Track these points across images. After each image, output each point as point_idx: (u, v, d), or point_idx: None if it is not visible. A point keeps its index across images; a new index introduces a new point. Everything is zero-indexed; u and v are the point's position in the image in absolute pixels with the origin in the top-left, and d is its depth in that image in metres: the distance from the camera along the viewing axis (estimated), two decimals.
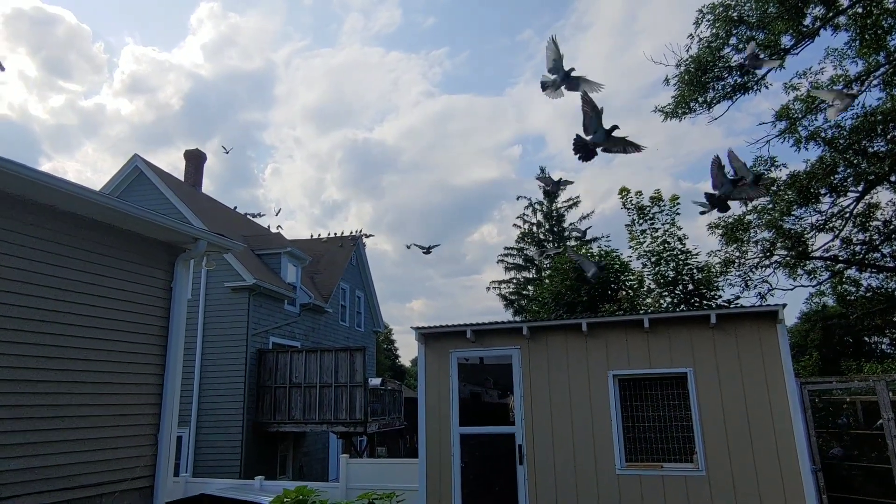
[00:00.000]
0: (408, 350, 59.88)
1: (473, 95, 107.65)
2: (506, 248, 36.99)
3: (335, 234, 26.67)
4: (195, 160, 23.37)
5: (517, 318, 32.81)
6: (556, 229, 35.73)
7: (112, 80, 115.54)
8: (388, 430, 19.89)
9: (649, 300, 15.92)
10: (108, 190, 18.37)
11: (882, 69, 14.88)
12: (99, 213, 6.81)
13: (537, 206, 36.26)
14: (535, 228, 36.18)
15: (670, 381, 9.43)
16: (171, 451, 7.67)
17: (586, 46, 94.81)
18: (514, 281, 36.35)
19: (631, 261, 17.55)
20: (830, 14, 13.71)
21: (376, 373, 27.53)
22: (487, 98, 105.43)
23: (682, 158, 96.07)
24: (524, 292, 35.12)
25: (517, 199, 37.18)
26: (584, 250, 20.47)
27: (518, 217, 36.66)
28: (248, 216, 25.74)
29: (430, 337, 10.29)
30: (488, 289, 37.28)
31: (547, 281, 18.65)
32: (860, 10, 13.89)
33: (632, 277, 16.94)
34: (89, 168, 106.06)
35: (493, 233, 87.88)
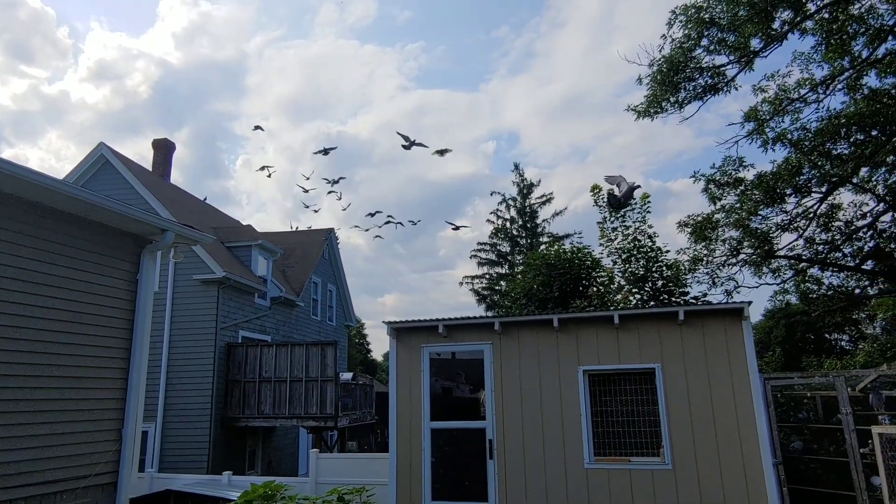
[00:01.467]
0: (380, 344, 59.69)
1: (449, 91, 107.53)
2: (479, 244, 37.14)
3: (309, 226, 26.41)
4: (163, 150, 22.88)
5: (489, 314, 32.99)
6: (529, 225, 35.95)
7: (77, 66, 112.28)
8: (359, 425, 19.82)
9: (619, 297, 16.13)
10: (73, 179, 17.87)
11: (847, 73, 15.29)
12: (61, 202, 6.61)
13: (511, 203, 36.45)
14: (508, 224, 36.36)
15: (639, 377, 9.57)
16: (136, 447, 7.51)
17: (563, 43, 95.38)
18: (487, 276, 36.51)
19: (602, 258, 17.76)
20: (798, 18, 14.02)
21: (348, 367, 27.41)
22: (463, 93, 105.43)
23: (654, 157, 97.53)
24: (497, 288, 35.30)
25: (491, 194, 37.42)
26: (556, 247, 20.63)
27: (492, 213, 36.83)
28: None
29: (401, 331, 10.26)
30: (461, 284, 37.40)
31: (519, 277, 18.77)
32: (826, 16, 14.23)
33: (603, 274, 17.13)
34: (53, 156, 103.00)
35: (468, 229, 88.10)
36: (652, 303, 16.12)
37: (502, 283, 34.40)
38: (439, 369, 10.92)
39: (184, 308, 17.28)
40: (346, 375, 18.86)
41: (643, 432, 9.35)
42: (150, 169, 21.98)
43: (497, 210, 36.61)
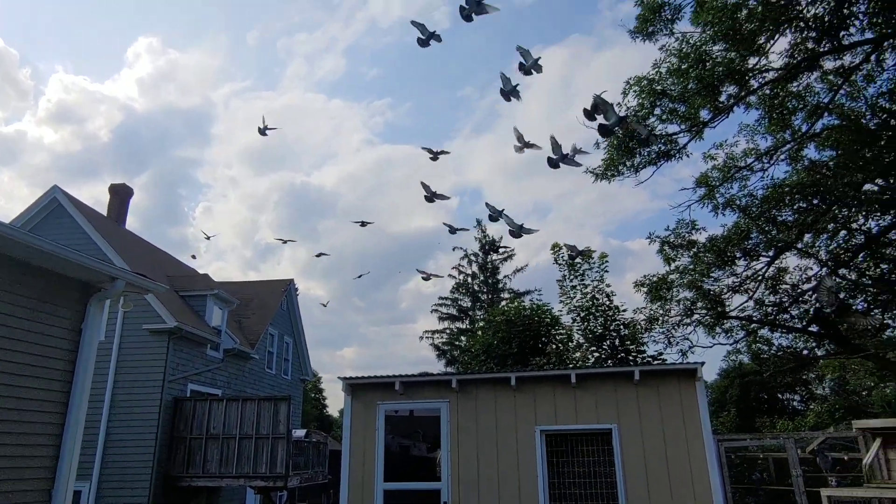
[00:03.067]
0: (336, 400, 58.04)
1: (414, 146, 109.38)
2: (441, 298, 37.09)
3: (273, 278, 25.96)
4: (121, 195, 22.43)
5: (449, 370, 32.65)
6: (490, 281, 36.18)
7: (36, 108, 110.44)
8: (310, 485, 19.01)
9: (577, 355, 16.23)
10: (22, 221, 17.28)
11: (788, 145, 16.21)
12: (3, 245, 6.36)
13: (473, 258, 36.74)
14: (470, 279, 36.53)
15: (596, 437, 9.53)
16: None
17: (527, 105, 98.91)
18: (448, 331, 36.34)
19: (561, 315, 17.94)
20: (742, 93, 14.90)
21: (301, 423, 26.49)
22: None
23: (612, 217, 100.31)
24: (457, 343, 35.08)
25: (453, 249, 37.58)
26: (516, 303, 20.76)
27: (454, 267, 36.99)
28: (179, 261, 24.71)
29: (357, 388, 10.05)
30: (421, 338, 37.06)
31: (480, 333, 18.75)
32: (768, 91, 15.18)
33: (562, 331, 17.26)
34: (3, 196, 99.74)
35: (429, 282, 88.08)
36: (609, 361, 16.25)
37: (462, 338, 34.23)
38: (397, 427, 10.67)
39: (130, 359, 16.57)
40: (299, 432, 18.20)
41: (600, 494, 9.24)
42: (106, 214, 21.46)
43: (459, 265, 36.86)
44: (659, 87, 14.46)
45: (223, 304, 19.82)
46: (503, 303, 29.36)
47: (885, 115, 14.96)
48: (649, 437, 9.26)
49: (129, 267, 15.74)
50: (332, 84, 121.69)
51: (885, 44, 14.50)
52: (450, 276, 37.06)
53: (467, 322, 35.71)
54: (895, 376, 19.61)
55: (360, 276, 22.75)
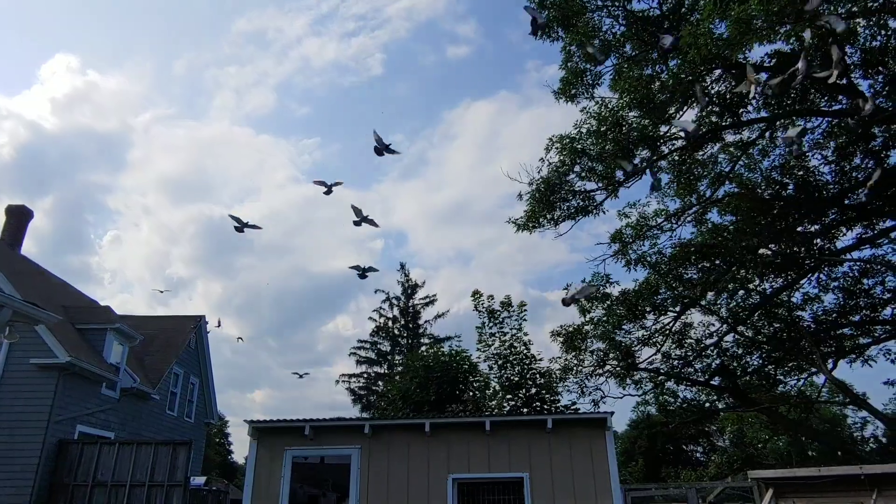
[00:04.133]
0: (242, 445, 55.04)
1: (341, 187, 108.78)
2: (359, 341, 36.40)
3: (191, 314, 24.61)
4: (18, 217, 20.83)
5: (364, 415, 31.80)
6: (411, 326, 35.95)
7: None
8: None
9: (494, 402, 16.27)
10: None
11: (694, 208, 17.39)
12: None
13: (394, 301, 36.49)
14: (390, 323, 36.16)
15: (507, 486, 9.49)
16: None
17: (453, 154, 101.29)
18: (365, 375, 35.56)
19: (479, 362, 18.01)
20: (654, 157, 15.93)
21: (203, 470, 24.82)
22: (354, 191, 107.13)
23: (532, 267, 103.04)
24: (374, 388, 34.36)
25: (375, 292, 37.20)
26: (435, 349, 20.69)
27: (374, 310, 36.55)
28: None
29: (264, 432, 9.59)
30: (338, 382, 36.04)
31: (398, 378, 18.48)
32: (677, 158, 16.31)
33: (479, 379, 17.30)
34: None
35: (349, 324, 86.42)
36: (525, 410, 16.38)
37: (380, 383, 33.60)
38: (306, 475, 10.21)
39: (12, 396, 15.06)
40: (198, 480, 17.03)
41: None
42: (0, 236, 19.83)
43: (380, 308, 36.47)
44: (579, 146, 15.23)
45: (124, 339, 18.55)
46: (423, 348, 29.19)
47: (777, 187, 16.39)
48: (560, 486, 9.32)
49: (19, 295, 14.51)
50: (260, 118, 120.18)
51: (777, 123, 16.03)
52: (370, 318, 36.57)
53: (386, 366, 35.15)
54: (786, 430, 20.88)
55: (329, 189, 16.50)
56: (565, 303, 12.16)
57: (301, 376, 21.33)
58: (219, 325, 18.82)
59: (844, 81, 14.60)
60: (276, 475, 9.29)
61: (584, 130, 15.14)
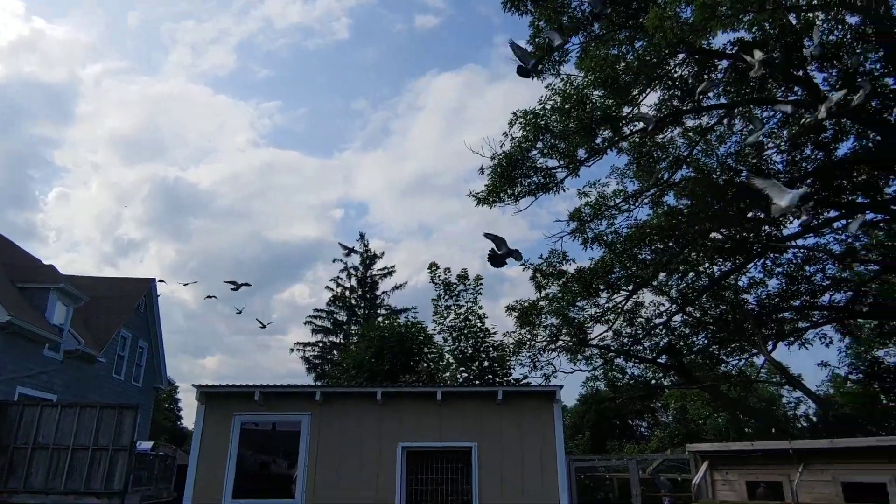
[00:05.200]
0: (192, 411, 54.32)
1: (302, 153, 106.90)
2: (316, 310, 36.15)
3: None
4: None
5: (318, 384, 31.76)
6: (368, 296, 35.87)
7: None
8: (152, 503, 17.50)
9: (447, 374, 16.45)
10: None
11: (652, 191, 17.71)
12: None
13: (353, 272, 36.27)
14: (347, 293, 35.98)
15: (456, 455, 9.65)
16: None
17: (418, 125, 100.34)
18: (321, 344, 35.43)
19: (435, 334, 18.14)
20: (616, 138, 16.11)
21: (150, 435, 24.44)
22: (316, 158, 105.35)
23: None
24: (329, 357, 34.29)
25: (333, 261, 36.90)
26: (391, 320, 20.73)
27: (332, 280, 36.27)
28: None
29: (212, 397, 9.47)
30: (292, 350, 35.82)
31: (353, 347, 18.48)
32: (637, 140, 16.52)
33: (434, 350, 17.44)
34: None
35: (305, 293, 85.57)
36: (477, 382, 16.62)
37: (335, 352, 33.53)
38: (257, 442, 10.16)
39: None
40: (145, 445, 16.72)
41: None
42: None
43: (338, 277, 36.20)
44: (542, 123, 15.26)
45: (69, 299, 17.94)
46: (379, 319, 29.20)
47: (731, 173, 16.81)
48: (507, 456, 9.53)
49: None
50: (219, 79, 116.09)
51: (735, 110, 16.38)
52: (327, 288, 36.30)
53: (342, 336, 35.06)
54: (726, 407, 21.79)
55: (237, 288, 19.16)
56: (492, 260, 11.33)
57: (264, 326, 21.04)
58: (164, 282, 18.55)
59: (801, 73, 15.00)
60: (224, 440, 9.22)
61: (548, 107, 15.17)
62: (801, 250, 17.56)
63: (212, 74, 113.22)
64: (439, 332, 17.68)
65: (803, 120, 16.01)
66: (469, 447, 9.53)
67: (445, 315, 17.46)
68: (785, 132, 16.64)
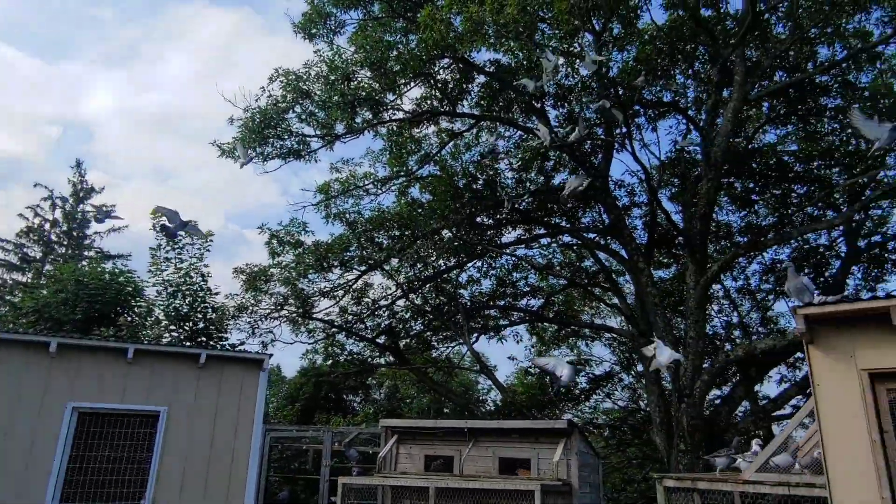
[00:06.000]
0: None
1: (19, 51, 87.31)
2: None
3: None
4: None
5: None
6: (76, 234, 30.89)
7: None
8: None
9: (154, 332, 14.98)
10: None
11: (400, 180, 18.52)
12: None
13: (59, 203, 30.86)
14: (47, 226, 30.49)
15: (142, 420, 8.82)
16: None
17: (173, 56, 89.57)
18: (0, 282, 29.41)
19: (148, 287, 16.37)
20: (375, 121, 16.44)
21: None
22: (37, 60, 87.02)
23: (240, 201, 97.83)
24: (8, 298, 28.64)
25: (35, 186, 30.90)
26: (94, 265, 18.14)
27: (29, 208, 30.35)
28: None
29: None
30: None
31: (45, 291, 15.63)
32: (394, 127, 17.11)
33: (143, 304, 15.73)
34: None
35: None
36: (188, 343, 15.47)
37: (17, 292, 28.14)
38: None
39: None
40: None
41: (128, 481, 8.53)
42: None
43: (38, 206, 30.43)
44: (305, 87, 14.82)
45: None
46: (84, 263, 25.32)
47: (470, 179, 18.44)
48: (200, 423, 9.02)
49: None
50: None
51: (483, 123, 18.01)
52: (21, 216, 30.26)
53: (32, 274, 29.58)
54: (430, 389, 23.88)
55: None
56: None
57: None
58: None
59: (539, 105, 17.12)
60: None
61: (312, 73, 14.78)
62: (513, 258, 20.10)
63: None
64: (153, 286, 16.01)
65: (536, 144, 18.36)
66: (157, 412, 8.78)
67: (164, 268, 15.87)
68: (519, 153, 18.85)
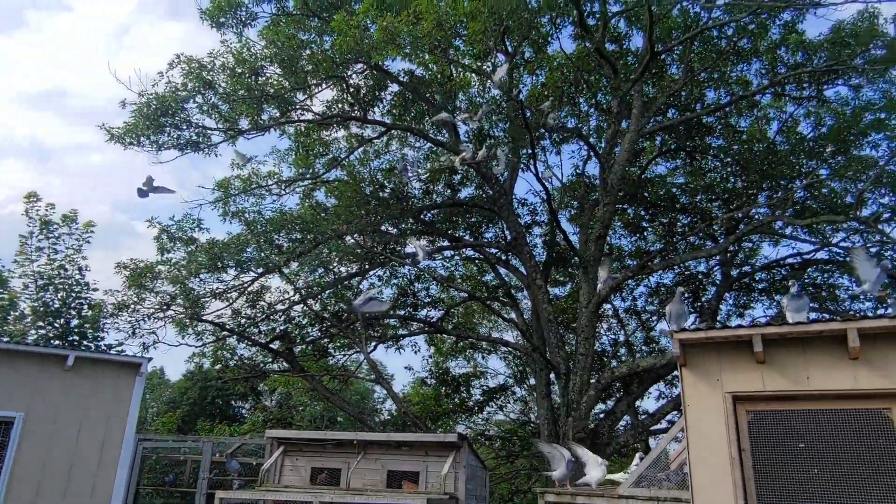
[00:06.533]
0: None
1: None
2: None
3: None
4: None
5: None
6: None
7: None
8: None
9: (16, 328, 13.58)
10: None
11: (306, 182, 18.04)
12: None
13: None
14: None
15: None
16: None
17: (64, 27, 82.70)
18: None
19: (13, 278, 14.84)
20: (283, 120, 15.94)
21: None
22: None
23: (131, 191, 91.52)
24: None
25: None
26: None
27: None
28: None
29: None
30: None
31: None
32: (303, 128, 16.70)
33: (4, 297, 14.24)
34: None
35: None
36: (57, 342, 14.17)
37: None
38: None
39: None
40: None
41: None
42: None
43: None
44: (209, 77, 14.13)
45: None
46: None
47: (378, 186, 18.30)
48: (64, 431, 8.26)
49: None
50: None
51: (393, 132, 17.98)
52: None
53: None
54: (324, 397, 23.29)
55: None
56: None
57: None
58: None
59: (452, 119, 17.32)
60: None
61: (218, 63, 14.13)
62: (415, 269, 20.11)
63: None
64: (19, 277, 14.54)
65: (443, 158, 18.55)
66: (12, 417, 7.94)
67: (34, 258, 14.45)
68: (428, 164, 18.96)
